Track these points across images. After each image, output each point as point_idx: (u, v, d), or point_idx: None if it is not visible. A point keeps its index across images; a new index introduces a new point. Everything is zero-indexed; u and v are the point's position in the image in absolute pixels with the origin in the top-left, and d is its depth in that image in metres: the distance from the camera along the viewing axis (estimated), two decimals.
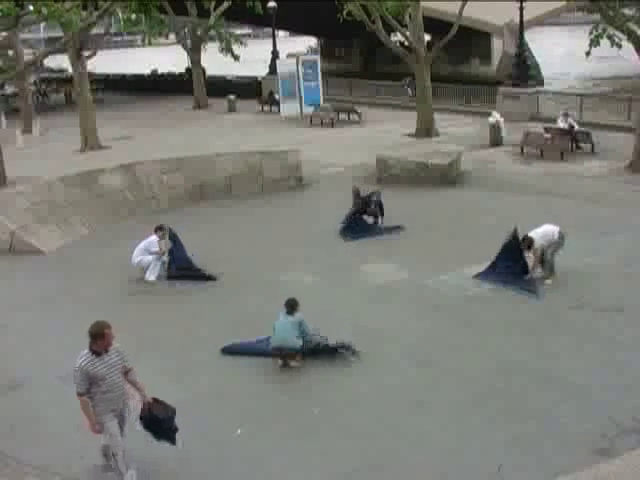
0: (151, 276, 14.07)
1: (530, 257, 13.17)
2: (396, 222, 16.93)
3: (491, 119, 24.96)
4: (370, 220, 17.04)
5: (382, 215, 16.90)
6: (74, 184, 18.86)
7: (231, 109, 38.08)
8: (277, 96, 35.88)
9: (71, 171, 19.80)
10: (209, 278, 14.11)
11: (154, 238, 14.21)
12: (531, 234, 13.11)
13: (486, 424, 8.89)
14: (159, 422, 8.07)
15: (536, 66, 38.59)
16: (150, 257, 14.07)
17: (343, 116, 32.57)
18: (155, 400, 8.15)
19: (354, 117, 32.30)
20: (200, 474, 8.34)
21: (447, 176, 20.52)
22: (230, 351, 10.93)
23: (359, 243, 16.12)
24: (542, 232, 13.18)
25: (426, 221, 17.21)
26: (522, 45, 30.94)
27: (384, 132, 28.32)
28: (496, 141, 24.64)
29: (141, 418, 8.06)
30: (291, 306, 10.58)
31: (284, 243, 16.17)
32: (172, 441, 8.19)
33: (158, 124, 34.02)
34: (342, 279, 13.92)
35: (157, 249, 14.04)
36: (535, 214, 16.78)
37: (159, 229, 14.20)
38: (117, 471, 7.91)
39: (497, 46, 45.71)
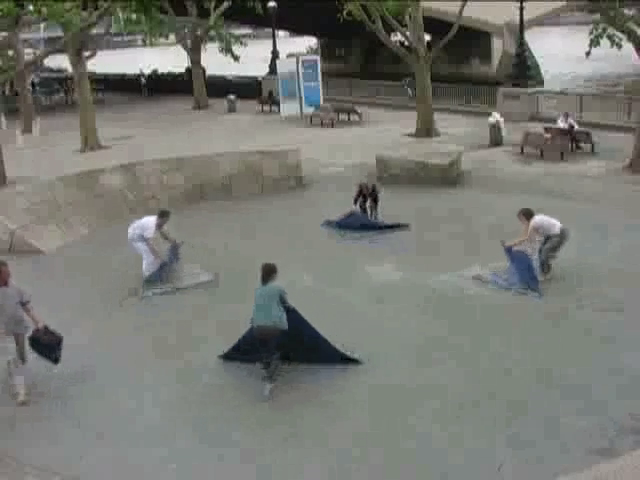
0: (147, 272, 13.80)
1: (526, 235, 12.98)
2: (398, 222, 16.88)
3: (491, 119, 24.77)
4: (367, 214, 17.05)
5: (375, 204, 16.80)
6: (74, 184, 18.70)
7: (231, 109, 37.74)
8: (277, 96, 35.76)
9: (71, 171, 19.63)
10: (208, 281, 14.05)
11: (151, 221, 13.62)
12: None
13: (486, 424, 8.87)
14: (40, 345, 10.07)
15: (536, 66, 38.65)
16: (141, 245, 13.60)
17: (343, 116, 32.32)
18: (46, 328, 10.09)
19: (354, 117, 32.00)
20: (200, 474, 8.31)
21: (447, 176, 20.36)
22: (229, 357, 10.74)
23: (359, 243, 15.99)
24: (545, 220, 13.05)
25: (426, 221, 17.11)
26: (522, 45, 30.86)
27: (384, 132, 28.10)
28: (496, 141, 24.48)
29: (30, 339, 10.07)
30: (266, 273, 9.93)
31: (284, 243, 16.04)
32: (54, 362, 10.16)
33: (158, 125, 33.78)
34: (342, 279, 13.86)
35: (151, 234, 13.55)
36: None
37: (164, 214, 13.68)
38: (9, 373, 9.90)
39: (497, 46, 45.81)
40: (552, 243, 13.13)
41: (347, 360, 10.41)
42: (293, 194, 20.52)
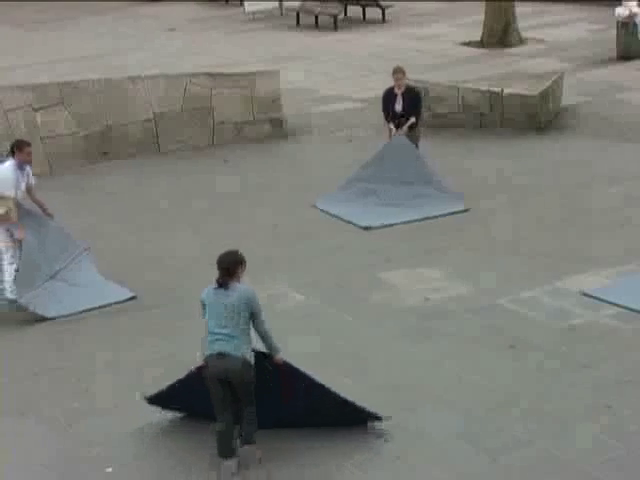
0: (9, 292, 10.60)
1: None
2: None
3: (621, 10, 19.83)
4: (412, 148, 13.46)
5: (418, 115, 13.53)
6: None
7: None
8: None
9: None
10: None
11: (6, 167, 10.62)
12: None
13: None
14: None
15: None
16: None
17: (355, 11, 26.67)
18: None
19: (374, 12, 26.36)
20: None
21: (537, 117, 16.78)
22: (160, 401, 8.14)
23: (385, 232, 12.94)
24: None
25: (499, 195, 14.08)
26: None
27: (426, 39, 23.58)
28: (628, 51, 19.92)
29: None
30: (227, 268, 7.11)
31: (256, 236, 13.05)
32: None
33: (24, 19, 27.46)
34: (353, 297, 11.50)
35: (12, 186, 10.40)
36: None
37: (22, 145, 10.67)
38: None
39: None
40: None
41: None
42: (268, 149, 16.54)
